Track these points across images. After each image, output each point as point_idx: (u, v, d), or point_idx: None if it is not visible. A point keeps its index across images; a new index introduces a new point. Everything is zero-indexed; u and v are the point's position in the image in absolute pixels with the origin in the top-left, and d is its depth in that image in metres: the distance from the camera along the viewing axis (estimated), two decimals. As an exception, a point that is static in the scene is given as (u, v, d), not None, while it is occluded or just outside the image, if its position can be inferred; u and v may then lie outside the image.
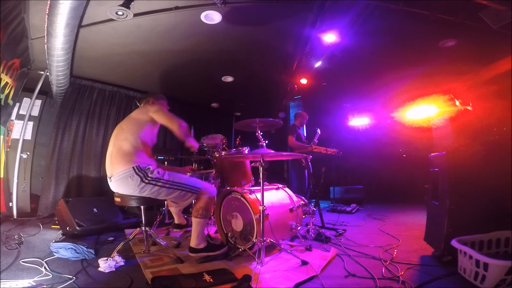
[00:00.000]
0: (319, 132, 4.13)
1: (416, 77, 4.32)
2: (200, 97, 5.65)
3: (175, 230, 2.92)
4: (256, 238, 2.14)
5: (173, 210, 2.83)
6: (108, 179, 2.13)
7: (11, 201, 3.69)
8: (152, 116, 2.21)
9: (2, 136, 3.59)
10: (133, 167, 2.01)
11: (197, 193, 2.21)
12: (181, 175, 2.26)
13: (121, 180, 2.03)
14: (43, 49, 2.95)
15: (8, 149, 3.88)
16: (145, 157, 2.12)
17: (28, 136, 4.15)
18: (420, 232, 2.54)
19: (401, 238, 2.63)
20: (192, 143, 2.27)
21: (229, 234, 2.41)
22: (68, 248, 2.17)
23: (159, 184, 2.07)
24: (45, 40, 2.74)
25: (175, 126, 2.17)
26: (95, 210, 3.17)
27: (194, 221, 2.18)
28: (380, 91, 5.12)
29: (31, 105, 3.92)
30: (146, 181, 2.03)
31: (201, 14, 2.91)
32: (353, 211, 4.41)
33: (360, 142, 5.89)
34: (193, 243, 2.17)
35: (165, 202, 3.12)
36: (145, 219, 2.34)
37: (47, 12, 2.36)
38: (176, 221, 2.90)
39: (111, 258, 2.00)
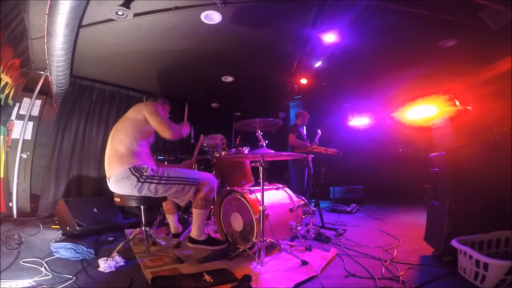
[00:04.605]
0: (319, 132, 4.14)
1: (416, 77, 4.31)
2: (200, 97, 5.65)
3: (174, 240, 2.72)
4: (256, 238, 2.14)
5: (169, 218, 2.75)
6: (107, 180, 2.14)
7: (11, 201, 3.68)
8: (146, 116, 2.20)
9: (2, 136, 3.58)
10: (129, 168, 2.02)
11: (196, 184, 2.20)
12: (177, 169, 2.25)
13: (119, 181, 2.04)
14: (43, 49, 2.94)
15: (8, 149, 3.87)
16: (141, 157, 2.11)
17: (28, 136, 4.15)
18: (420, 232, 2.54)
19: (401, 238, 2.63)
20: (186, 132, 2.37)
21: (229, 234, 2.41)
22: (68, 248, 2.17)
23: (155, 181, 2.06)
24: (45, 40, 2.74)
25: (166, 133, 2.16)
26: (95, 210, 3.17)
27: (194, 212, 2.19)
28: (380, 91, 5.12)
29: (31, 105, 3.92)
30: (142, 180, 2.03)
31: (201, 14, 2.92)
32: (353, 211, 4.41)
33: (360, 142, 5.87)
34: (193, 234, 2.18)
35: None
36: (145, 219, 2.33)
37: (47, 12, 2.36)
38: (173, 231, 2.74)
39: (111, 258, 2.00)
